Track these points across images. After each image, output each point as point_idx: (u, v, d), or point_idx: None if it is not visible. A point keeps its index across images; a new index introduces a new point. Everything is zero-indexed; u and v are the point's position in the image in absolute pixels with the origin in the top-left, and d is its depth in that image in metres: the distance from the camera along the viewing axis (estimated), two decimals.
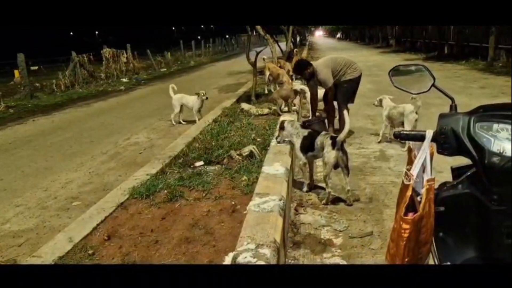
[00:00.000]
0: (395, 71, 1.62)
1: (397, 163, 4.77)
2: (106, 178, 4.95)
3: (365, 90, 8.77)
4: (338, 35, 62.03)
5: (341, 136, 3.67)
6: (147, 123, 8.20)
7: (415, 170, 1.35)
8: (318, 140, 3.83)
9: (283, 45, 15.20)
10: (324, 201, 3.79)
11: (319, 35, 67.70)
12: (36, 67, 16.60)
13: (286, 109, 6.42)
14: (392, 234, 1.40)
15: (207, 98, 7.54)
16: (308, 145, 3.95)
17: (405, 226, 1.30)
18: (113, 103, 11.66)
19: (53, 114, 10.25)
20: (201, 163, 4.14)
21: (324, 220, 3.48)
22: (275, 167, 3.64)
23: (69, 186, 4.78)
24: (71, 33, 42.03)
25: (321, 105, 6.34)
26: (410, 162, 1.48)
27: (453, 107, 1.39)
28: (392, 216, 3.51)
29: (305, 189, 4.12)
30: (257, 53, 8.08)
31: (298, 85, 6.92)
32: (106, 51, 17.40)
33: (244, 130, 5.47)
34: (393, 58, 19.98)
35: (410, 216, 1.31)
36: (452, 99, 1.40)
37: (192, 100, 7.60)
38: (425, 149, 1.35)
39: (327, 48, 35.02)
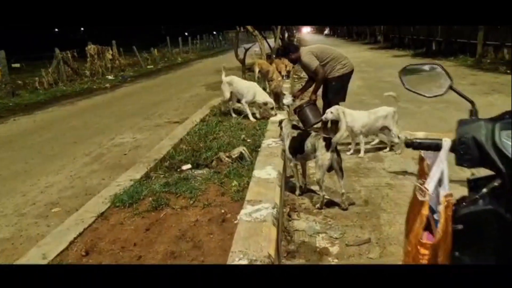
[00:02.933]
0: (406, 71, 1.44)
1: (391, 164, 4.63)
2: (88, 182, 4.71)
3: (354, 87, 8.61)
4: (326, 32, 61.91)
5: (337, 137, 3.48)
6: (132, 122, 7.93)
7: (431, 184, 1.19)
8: (309, 141, 3.63)
9: (271, 41, 15.03)
10: (318, 206, 3.62)
11: (306, 31, 67.45)
12: (18, 65, 16.04)
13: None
14: (405, 259, 1.24)
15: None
16: (297, 147, 3.76)
17: (423, 251, 1.14)
18: (98, 101, 11.34)
19: (35, 113, 9.88)
20: (189, 166, 3.94)
21: (319, 226, 3.31)
22: (267, 170, 3.46)
23: (49, 191, 4.53)
24: (56, 30, 41.09)
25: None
26: (422, 173, 1.32)
27: (474, 112, 1.23)
28: (390, 221, 3.35)
29: (297, 192, 3.94)
30: (246, 50, 7.89)
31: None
32: (91, 48, 16.93)
33: (234, 130, 5.27)
34: (382, 54, 19.96)
35: (429, 240, 1.15)
36: (472, 102, 1.25)
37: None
38: (443, 160, 1.20)
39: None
